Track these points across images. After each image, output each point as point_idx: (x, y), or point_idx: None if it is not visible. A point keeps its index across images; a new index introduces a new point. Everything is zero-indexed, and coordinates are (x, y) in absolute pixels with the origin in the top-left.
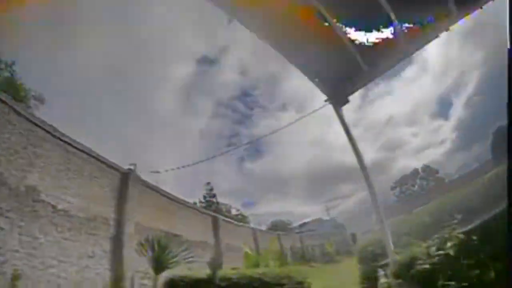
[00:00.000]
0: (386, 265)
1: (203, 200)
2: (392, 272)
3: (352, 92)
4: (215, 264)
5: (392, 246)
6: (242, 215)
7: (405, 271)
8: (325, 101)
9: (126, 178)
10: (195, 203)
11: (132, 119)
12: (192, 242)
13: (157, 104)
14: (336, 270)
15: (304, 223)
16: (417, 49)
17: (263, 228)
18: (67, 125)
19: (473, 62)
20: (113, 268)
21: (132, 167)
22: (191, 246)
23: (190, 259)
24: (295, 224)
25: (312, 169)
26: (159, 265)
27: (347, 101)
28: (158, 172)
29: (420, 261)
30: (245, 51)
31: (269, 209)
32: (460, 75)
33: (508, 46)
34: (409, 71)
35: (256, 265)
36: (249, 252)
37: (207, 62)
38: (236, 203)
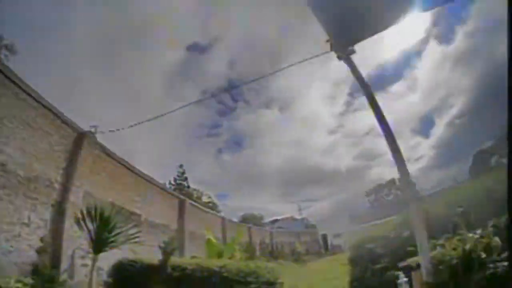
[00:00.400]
0: (410, 268)
1: (173, 183)
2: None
3: (355, 42)
4: (168, 249)
5: (426, 245)
6: (213, 203)
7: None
8: (327, 41)
9: (82, 139)
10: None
11: (112, 93)
12: (152, 223)
13: (140, 84)
14: (304, 270)
15: (276, 220)
16: None
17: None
18: (32, 77)
19: (460, 87)
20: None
21: (92, 129)
22: (150, 227)
23: (138, 240)
24: (267, 220)
25: (289, 168)
26: (98, 242)
27: (352, 51)
28: (117, 130)
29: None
30: (237, 43)
31: (241, 203)
32: (446, 97)
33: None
34: (397, 87)
35: (219, 255)
36: (212, 239)
37: (197, 49)
38: (210, 193)
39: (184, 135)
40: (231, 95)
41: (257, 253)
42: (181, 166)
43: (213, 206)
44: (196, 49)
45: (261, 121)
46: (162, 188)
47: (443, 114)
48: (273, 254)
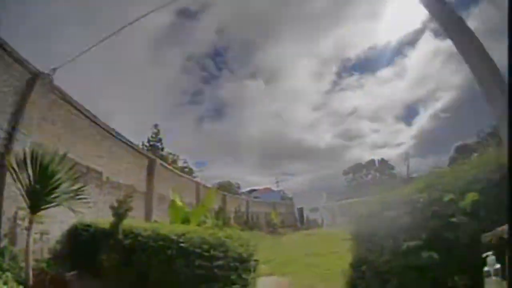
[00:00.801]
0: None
1: (146, 143)
2: None
3: None
4: (120, 211)
5: None
6: (190, 169)
7: None
8: None
9: (35, 80)
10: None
11: (92, 53)
12: (116, 183)
13: (124, 46)
14: (281, 243)
15: (253, 190)
16: None
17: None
18: None
19: (449, 83)
20: None
21: (51, 72)
22: (113, 188)
23: (84, 199)
24: (243, 190)
25: (269, 141)
26: (34, 197)
27: None
28: (72, 59)
29: None
30: (226, 11)
31: (219, 172)
32: (434, 90)
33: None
34: (386, 72)
35: (185, 221)
36: (178, 201)
37: (186, 15)
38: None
39: (166, 101)
40: (216, 63)
41: (232, 222)
42: (155, 126)
43: (189, 172)
44: (185, 14)
45: (245, 92)
46: (130, 146)
47: (429, 106)
48: (248, 224)
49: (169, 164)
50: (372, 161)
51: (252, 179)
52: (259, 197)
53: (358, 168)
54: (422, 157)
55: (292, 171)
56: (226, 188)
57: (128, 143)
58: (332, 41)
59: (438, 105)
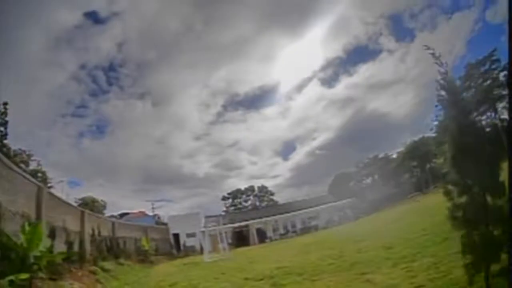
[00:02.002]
0: None
1: None
2: None
3: None
4: None
5: None
6: (43, 174)
7: None
8: None
9: None
10: None
11: None
12: None
13: (20, 40)
14: (149, 273)
15: (125, 213)
16: None
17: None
18: None
19: (327, 125)
20: None
21: None
22: None
23: None
24: (115, 213)
25: (149, 165)
26: None
27: None
28: None
29: None
30: (132, 25)
31: (93, 194)
32: (312, 130)
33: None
34: (270, 110)
35: None
36: None
37: (93, 19)
38: (61, 177)
39: (49, 107)
40: (108, 77)
41: (87, 247)
42: (5, 104)
43: (42, 176)
44: (92, 18)
45: (131, 112)
46: None
47: (305, 144)
48: (112, 250)
49: (16, 164)
50: (252, 187)
51: (127, 203)
52: (131, 221)
53: (237, 193)
54: (297, 188)
55: (170, 197)
56: (90, 204)
57: None
58: (225, 75)
59: (315, 143)
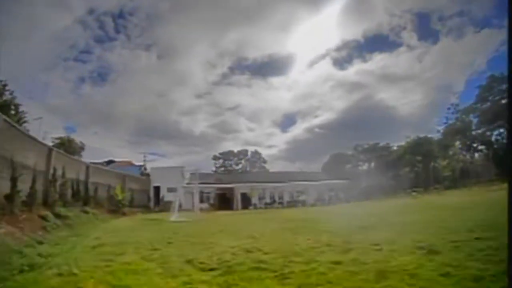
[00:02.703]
0: None
1: None
2: None
3: None
4: None
5: None
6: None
7: None
8: None
9: None
10: None
11: None
12: None
13: None
14: (104, 227)
15: (111, 161)
16: None
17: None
18: None
19: (331, 106)
20: None
21: None
22: None
23: None
24: (100, 160)
25: (147, 117)
26: None
27: None
28: None
29: None
30: None
31: (86, 140)
32: (316, 108)
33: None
34: (276, 80)
35: None
36: None
37: None
38: (57, 122)
39: (51, 49)
40: (116, 24)
41: (53, 193)
42: None
43: (15, 109)
44: None
45: (135, 62)
46: None
47: (306, 120)
48: (79, 197)
49: None
50: (245, 151)
51: (120, 153)
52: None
53: (229, 155)
54: (290, 162)
55: (164, 152)
56: (65, 145)
57: None
58: (236, 37)
59: (315, 121)
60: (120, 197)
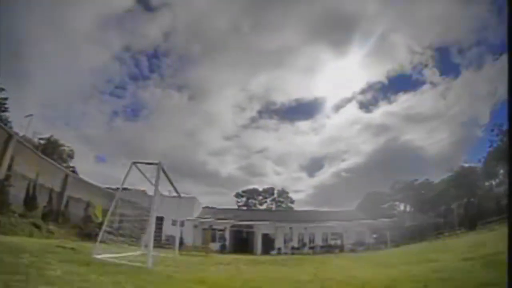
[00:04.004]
0: None
1: None
2: None
3: None
4: None
5: None
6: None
7: None
8: None
9: None
10: None
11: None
12: None
13: (71, 15)
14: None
15: (125, 188)
16: None
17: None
18: None
19: (358, 149)
20: None
21: None
22: None
23: None
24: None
25: (175, 156)
26: None
27: None
28: None
29: None
30: (181, 17)
31: (115, 172)
32: (343, 152)
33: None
34: (304, 124)
35: None
36: None
37: (144, 5)
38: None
39: (88, 81)
40: (151, 64)
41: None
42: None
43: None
44: (143, 4)
45: (167, 101)
46: None
47: (333, 164)
48: (48, 209)
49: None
50: (271, 189)
51: (143, 186)
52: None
53: (253, 193)
54: (318, 206)
55: (189, 191)
56: (49, 149)
57: None
58: (264, 81)
59: (343, 165)
60: (99, 220)
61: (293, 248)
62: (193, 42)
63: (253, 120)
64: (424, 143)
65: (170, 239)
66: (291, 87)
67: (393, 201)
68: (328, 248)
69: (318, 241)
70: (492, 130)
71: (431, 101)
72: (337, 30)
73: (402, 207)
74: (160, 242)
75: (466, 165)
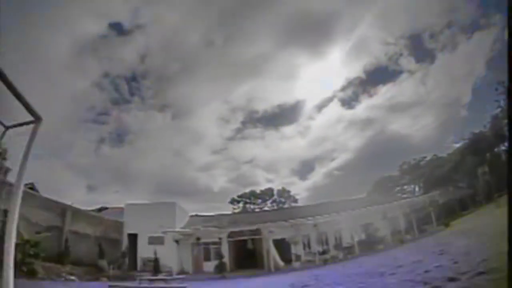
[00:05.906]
0: None
1: None
2: None
3: None
4: None
5: None
6: None
7: None
8: None
9: None
10: None
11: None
12: None
13: (46, 43)
14: None
15: (104, 208)
16: None
17: None
18: None
19: (348, 145)
20: None
21: None
22: None
23: None
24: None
25: (164, 176)
26: None
27: None
28: None
29: None
30: (156, 38)
31: (106, 198)
32: (331, 150)
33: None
34: (289, 129)
35: None
36: None
37: (117, 30)
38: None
39: (71, 111)
40: (130, 87)
41: None
42: None
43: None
44: (117, 29)
45: (151, 122)
46: None
47: (324, 164)
48: None
49: None
50: (270, 190)
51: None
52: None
53: (250, 196)
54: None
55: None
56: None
57: None
58: (244, 91)
59: (333, 164)
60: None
61: (318, 253)
62: (169, 61)
63: (238, 131)
64: (411, 130)
65: (147, 263)
66: (272, 94)
67: (403, 184)
68: (367, 245)
69: (346, 238)
70: (496, 89)
71: (411, 89)
72: (309, 31)
73: (415, 187)
74: (135, 270)
75: (477, 130)
